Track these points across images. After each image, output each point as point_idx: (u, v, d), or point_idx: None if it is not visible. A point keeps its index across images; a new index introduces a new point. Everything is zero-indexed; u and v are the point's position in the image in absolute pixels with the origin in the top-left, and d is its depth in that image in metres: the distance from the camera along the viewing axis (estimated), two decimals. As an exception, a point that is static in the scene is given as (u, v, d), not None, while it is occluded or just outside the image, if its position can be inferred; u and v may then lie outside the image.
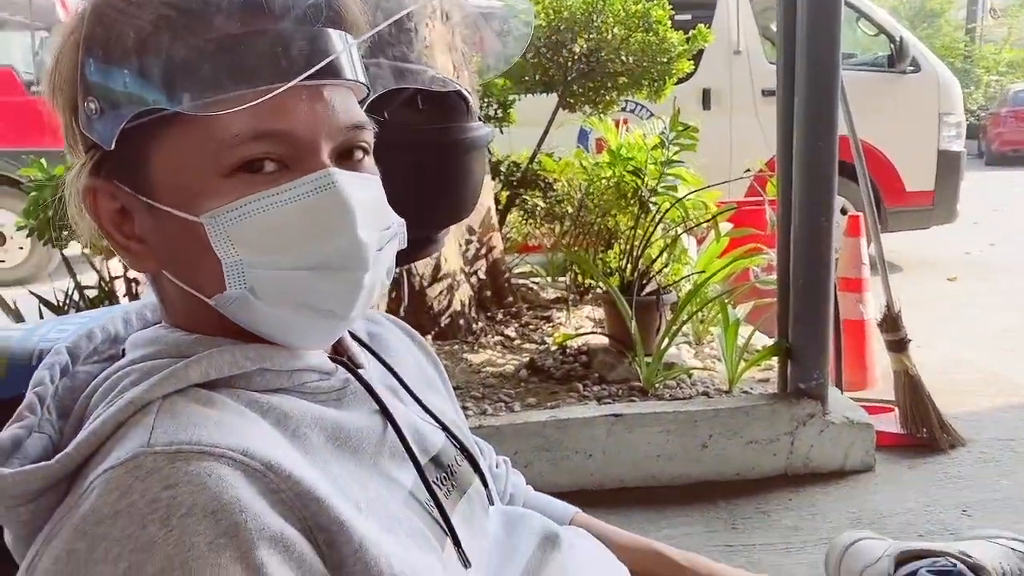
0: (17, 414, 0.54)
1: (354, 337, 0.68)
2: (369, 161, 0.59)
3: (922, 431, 2.39)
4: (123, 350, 0.60)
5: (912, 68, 4.98)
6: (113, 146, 0.52)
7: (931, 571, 0.79)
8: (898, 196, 5.01)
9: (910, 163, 4.98)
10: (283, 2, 0.52)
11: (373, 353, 0.68)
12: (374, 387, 0.62)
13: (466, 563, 0.59)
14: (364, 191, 0.56)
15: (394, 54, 0.73)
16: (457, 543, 0.59)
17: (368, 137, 0.58)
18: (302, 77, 0.51)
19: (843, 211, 4.15)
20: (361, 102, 0.60)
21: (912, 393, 2.42)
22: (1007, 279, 4.77)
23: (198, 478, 0.45)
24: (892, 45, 5.00)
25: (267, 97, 0.51)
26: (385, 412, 0.61)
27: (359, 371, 0.62)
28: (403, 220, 0.61)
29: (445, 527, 0.59)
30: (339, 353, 0.64)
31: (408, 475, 0.59)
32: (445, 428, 0.68)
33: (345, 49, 0.55)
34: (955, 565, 0.80)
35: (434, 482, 0.61)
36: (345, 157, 0.57)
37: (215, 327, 0.57)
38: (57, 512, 0.48)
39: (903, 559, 0.84)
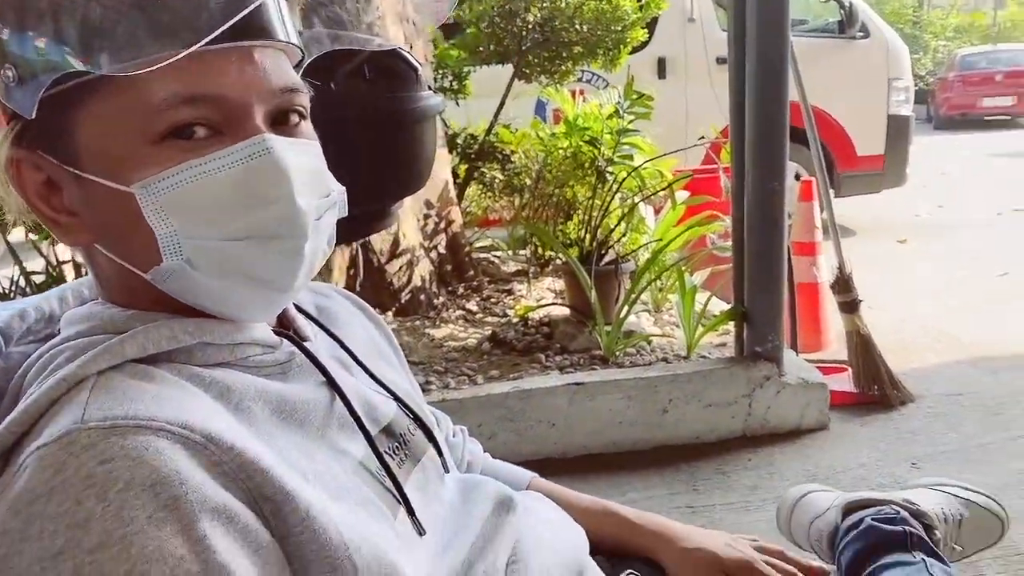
0: None
1: (300, 310, 0.67)
2: (306, 126, 0.57)
3: (874, 389, 2.46)
4: (59, 329, 0.58)
5: (862, 34, 5.04)
6: (34, 115, 0.50)
7: (875, 519, 0.82)
8: (850, 161, 5.09)
9: (861, 128, 5.06)
10: None
11: (321, 326, 0.68)
12: (321, 360, 0.61)
13: (420, 531, 0.59)
14: (301, 157, 0.54)
15: (327, 14, 0.72)
16: (411, 511, 0.59)
17: (303, 101, 0.57)
18: (219, 31, 0.49)
19: (797, 177, 4.22)
20: (297, 68, 0.59)
21: (864, 352, 2.49)
22: (954, 240, 4.91)
23: (135, 452, 0.44)
24: (842, 11, 5.06)
25: (185, 53, 0.49)
26: (332, 384, 0.60)
27: (304, 344, 0.61)
28: (344, 188, 0.60)
29: (398, 496, 0.59)
30: (284, 327, 0.63)
31: (358, 446, 0.59)
32: (397, 398, 0.68)
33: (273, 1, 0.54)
34: (898, 512, 0.83)
35: (386, 452, 0.61)
36: (280, 122, 0.55)
37: (151, 301, 0.55)
38: None
39: (850, 509, 0.87)
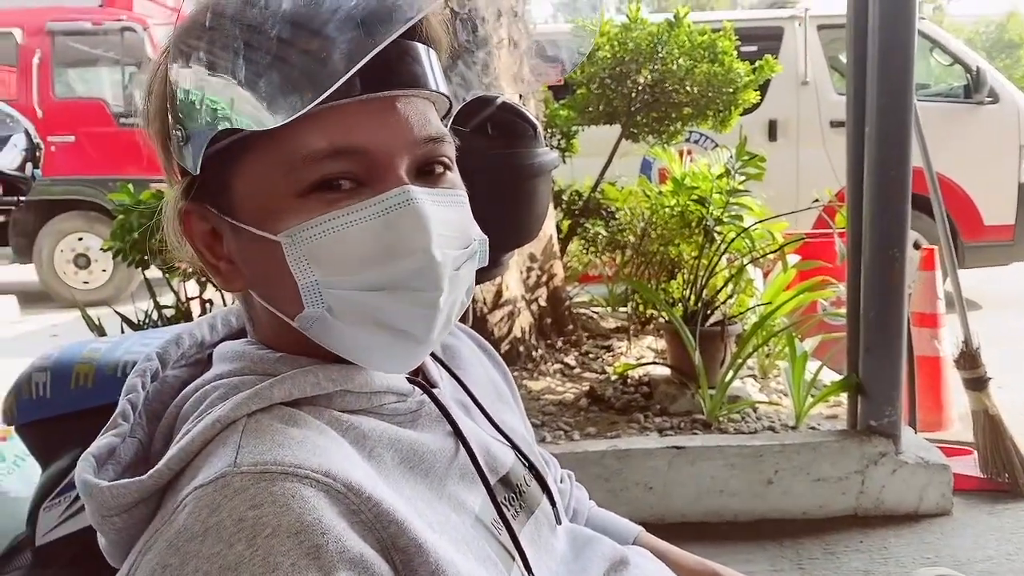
0: (111, 422, 0.57)
1: None
2: (452, 176, 0.58)
3: (1004, 475, 2.27)
4: (209, 355, 0.62)
5: (990, 99, 4.82)
6: (198, 171, 0.54)
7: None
8: (976, 230, 4.82)
9: (989, 196, 4.80)
10: (339, 17, 0.50)
11: (445, 367, 0.69)
12: (447, 405, 0.62)
13: None
14: (442, 208, 0.55)
15: (473, 61, 0.75)
16: (528, 567, 0.59)
17: (448, 151, 0.57)
18: (373, 92, 0.51)
19: (916, 245, 4.02)
20: (444, 117, 0.60)
21: (992, 434, 2.31)
22: (1096, 319, 4.52)
23: (282, 499, 0.47)
24: (968, 75, 4.86)
25: (311, 108, 0.49)
26: (458, 434, 0.61)
27: (434, 391, 0.62)
28: (485, 237, 0.60)
29: (514, 550, 0.59)
30: (414, 372, 0.64)
31: (476, 497, 0.59)
32: (515, 446, 0.68)
33: (425, 60, 0.55)
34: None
35: (502, 502, 0.61)
36: (425, 173, 0.56)
37: (299, 346, 0.57)
38: (152, 525, 0.50)
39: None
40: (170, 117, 0.55)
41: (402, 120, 0.54)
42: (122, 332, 2.51)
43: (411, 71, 0.55)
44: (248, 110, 0.51)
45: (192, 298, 2.62)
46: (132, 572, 0.48)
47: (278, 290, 0.55)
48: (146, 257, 2.35)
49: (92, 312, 2.70)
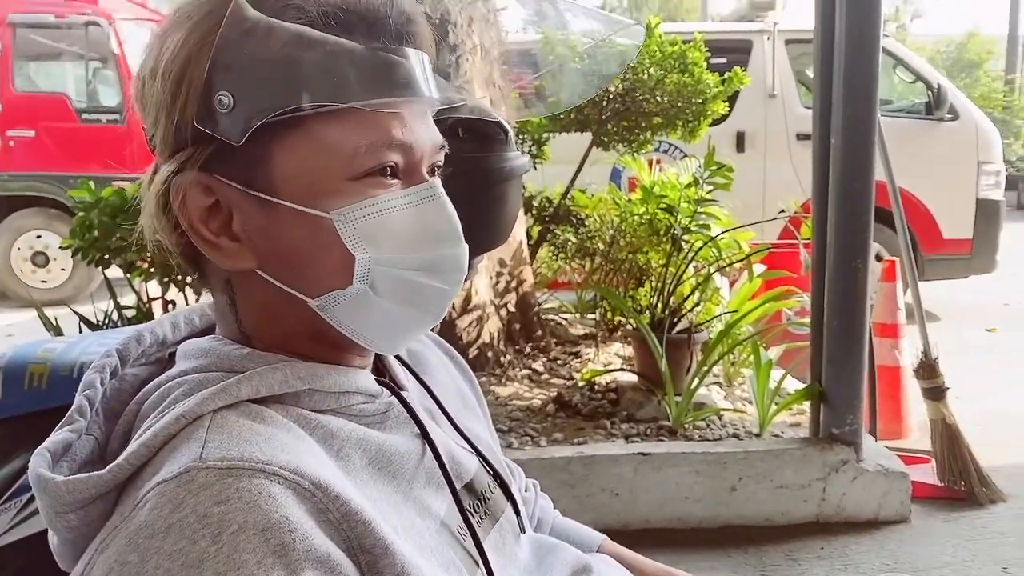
0: (68, 417, 0.55)
1: (396, 356, 0.68)
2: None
3: (960, 484, 2.32)
4: (170, 354, 0.61)
5: (950, 116, 4.94)
6: (242, 141, 0.52)
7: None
8: (935, 244, 4.93)
9: (948, 211, 4.91)
10: (401, 24, 0.56)
11: (413, 373, 0.68)
12: (415, 409, 0.61)
13: None
14: (451, 205, 0.59)
15: (448, 69, 0.76)
16: (491, 575, 0.58)
17: (442, 158, 0.61)
18: (457, 99, 0.54)
19: (877, 257, 4.10)
20: None
21: (950, 443, 2.36)
22: (1048, 332, 4.65)
23: (249, 495, 0.46)
24: (930, 92, 4.98)
25: (428, 106, 0.56)
26: (426, 437, 0.60)
27: (402, 394, 0.62)
28: None
29: (478, 557, 0.58)
30: (381, 374, 0.64)
31: (441, 503, 0.59)
32: (479, 453, 0.67)
33: (451, 64, 0.58)
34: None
35: (467, 508, 0.61)
36: (432, 174, 0.59)
37: (281, 340, 0.57)
38: (110, 522, 0.48)
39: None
40: (209, 80, 0.51)
41: (430, 125, 0.59)
42: (80, 332, 2.45)
43: (437, 80, 0.59)
44: (332, 92, 0.52)
45: (154, 299, 2.56)
46: (87, 571, 0.46)
47: (313, 267, 0.55)
48: (107, 256, 2.30)
49: (50, 312, 2.64)
